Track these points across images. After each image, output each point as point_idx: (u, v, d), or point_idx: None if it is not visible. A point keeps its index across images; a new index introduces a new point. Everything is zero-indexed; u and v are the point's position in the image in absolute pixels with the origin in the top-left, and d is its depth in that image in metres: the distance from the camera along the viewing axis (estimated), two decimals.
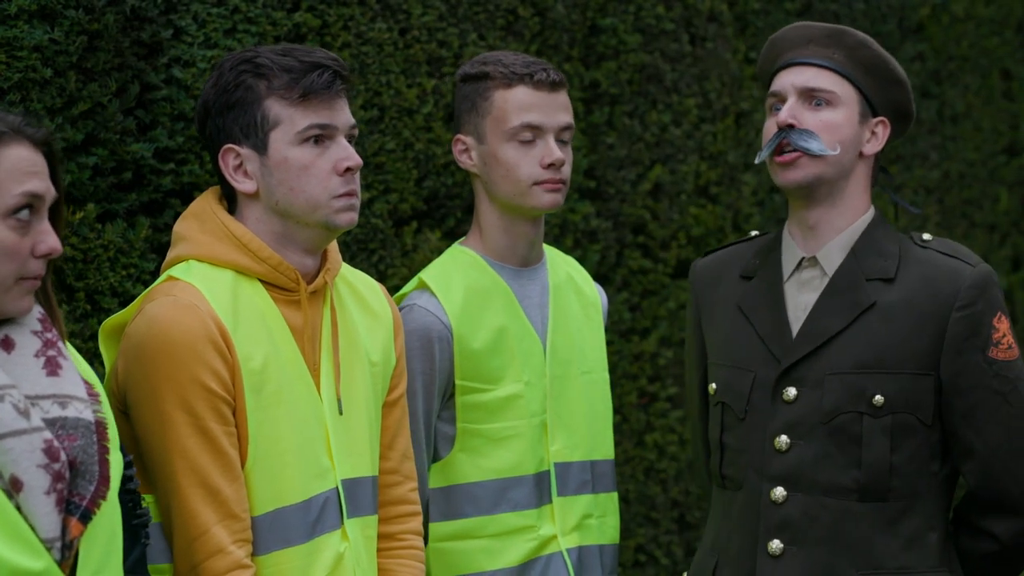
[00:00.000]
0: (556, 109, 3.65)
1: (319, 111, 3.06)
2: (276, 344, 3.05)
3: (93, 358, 3.47)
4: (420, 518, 3.35)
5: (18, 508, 2.51)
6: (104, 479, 2.61)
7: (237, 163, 3.09)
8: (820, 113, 3.32)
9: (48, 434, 2.55)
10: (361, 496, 3.17)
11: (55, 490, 2.54)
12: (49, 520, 2.53)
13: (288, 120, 3.05)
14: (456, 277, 3.65)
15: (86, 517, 2.58)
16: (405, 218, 4.85)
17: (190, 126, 4.00)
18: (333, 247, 3.22)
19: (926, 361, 3.26)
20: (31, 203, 2.59)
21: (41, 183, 2.61)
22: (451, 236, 4.99)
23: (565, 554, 3.68)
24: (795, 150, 3.29)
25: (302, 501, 3.05)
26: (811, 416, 3.28)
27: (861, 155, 3.36)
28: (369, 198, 4.69)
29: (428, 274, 3.68)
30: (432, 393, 3.59)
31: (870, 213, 3.38)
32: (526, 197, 3.61)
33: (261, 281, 3.08)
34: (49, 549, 2.53)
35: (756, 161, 3.38)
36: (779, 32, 3.45)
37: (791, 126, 3.30)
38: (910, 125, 3.45)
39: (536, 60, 3.70)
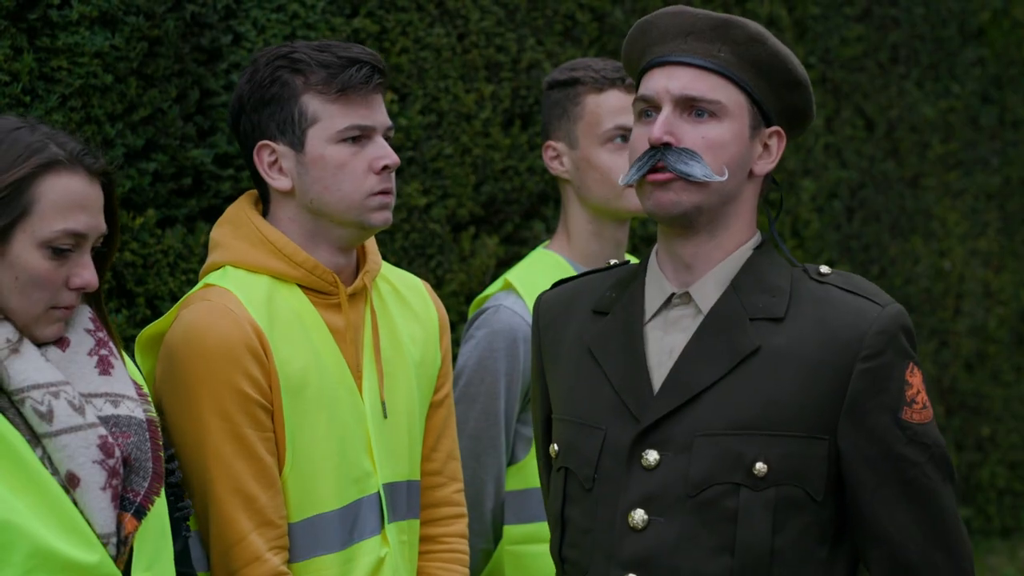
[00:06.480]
0: None
1: (358, 110, 3.03)
2: (316, 348, 3.03)
3: None
4: (465, 520, 3.32)
5: (74, 503, 2.52)
6: (157, 476, 2.62)
7: (272, 160, 3.05)
8: (703, 127, 2.64)
9: (103, 430, 2.56)
10: (403, 500, 3.15)
11: (110, 486, 2.55)
12: (104, 516, 2.54)
13: (327, 117, 3.02)
14: (541, 279, 3.65)
15: (140, 513, 2.58)
16: (463, 223, 4.84)
17: None
18: (372, 247, 3.19)
19: (820, 422, 2.60)
20: (72, 240, 2.55)
21: (88, 220, 2.56)
22: (509, 242, 4.99)
23: None
24: (671, 172, 2.64)
25: (339, 508, 3.03)
26: (675, 487, 2.60)
27: (751, 175, 2.69)
28: (427, 203, 4.69)
29: (513, 275, 3.69)
30: (514, 394, 3.61)
31: (755, 239, 2.73)
32: (621, 200, 3.62)
33: (299, 286, 3.06)
34: (104, 544, 2.54)
35: (621, 183, 2.72)
36: (651, 16, 2.73)
37: (667, 144, 2.63)
38: (807, 127, 2.81)
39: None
